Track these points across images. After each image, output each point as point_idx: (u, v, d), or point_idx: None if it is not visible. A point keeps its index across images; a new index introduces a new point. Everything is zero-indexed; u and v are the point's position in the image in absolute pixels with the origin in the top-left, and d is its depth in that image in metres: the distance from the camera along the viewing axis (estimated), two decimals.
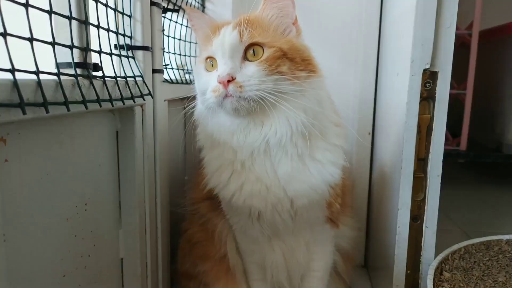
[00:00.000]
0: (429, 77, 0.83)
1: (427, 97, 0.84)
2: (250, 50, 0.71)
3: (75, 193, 0.63)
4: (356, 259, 1.23)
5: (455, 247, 0.97)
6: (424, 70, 0.82)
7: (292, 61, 0.72)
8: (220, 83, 0.68)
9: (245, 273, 0.95)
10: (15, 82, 0.43)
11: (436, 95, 0.83)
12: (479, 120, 2.46)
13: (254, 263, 0.92)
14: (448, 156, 2.21)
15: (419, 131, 0.85)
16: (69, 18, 0.54)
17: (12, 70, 0.42)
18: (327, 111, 0.78)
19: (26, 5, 0.45)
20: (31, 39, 0.45)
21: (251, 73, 0.69)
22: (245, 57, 0.71)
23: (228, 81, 0.67)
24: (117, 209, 0.79)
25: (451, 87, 2.57)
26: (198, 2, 1.15)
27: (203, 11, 1.20)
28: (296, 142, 0.73)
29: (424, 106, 0.85)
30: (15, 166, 0.49)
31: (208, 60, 0.75)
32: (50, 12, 0.50)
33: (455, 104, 2.64)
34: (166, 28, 0.95)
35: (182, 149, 1.17)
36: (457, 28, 2.41)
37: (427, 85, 0.83)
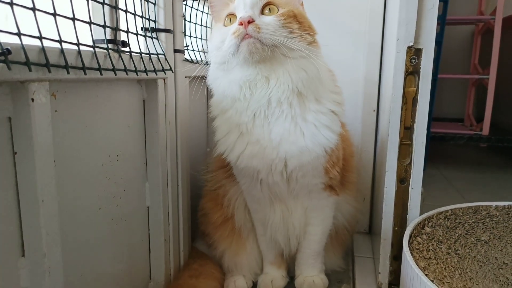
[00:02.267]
0: (414, 53, 0.93)
1: (412, 71, 0.94)
2: (266, 8, 0.83)
3: (109, 145, 0.80)
4: (357, 228, 1.35)
5: (442, 208, 1.07)
6: (409, 48, 0.93)
7: (301, 24, 0.83)
8: (241, 24, 0.78)
9: (254, 230, 1.09)
10: (62, 50, 0.59)
11: (420, 70, 0.93)
12: (503, 106, 2.47)
13: (259, 220, 1.05)
14: (470, 141, 2.26)
15: (405, 103, 0.96)
16: (102, 3, 0.70)
17: (60, 41, 0.58)
18: (325, 79, 0.89)
19: None
20: (73, 19, 0.62)
21: (268, 21, 0.80)
22: (261, 13, 0.83)
23: (249, 22, 0.78)
24: (144, 165, 0.95)
25: (476, 72, 2.60)
26: None
27: None
28: (292, 101, 0.83)
29: (411, 80, 0.95)
30: (62, 116, 0.65)
31: (227, 18, 0.87)
32: None
33: (479, 90, 2.65)
34: (188, 14, 1.10)
35: (205, 124, 1.33)
36: (481, 14, 2.44)
37: (412, 60, 0.94)
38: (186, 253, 1.13)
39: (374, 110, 1.33)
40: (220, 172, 1.07)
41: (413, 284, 0.78)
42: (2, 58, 0.47)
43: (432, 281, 0.73)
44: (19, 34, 0.50)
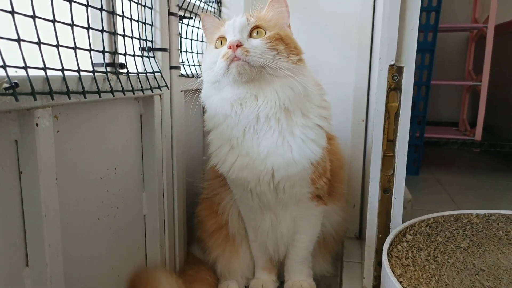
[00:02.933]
0: (396, 71, 0.99)
1: (395, 88, 1.00)
2: (254, 31, 0.89)
3: (107, 159, 0.85)
4: (348, 234, 1.41)
5: (425, 216, 1.12)
6: (391, 66, 0.98)
7: (287, 45, 0.89)
8: (230, 48, 0.85)
9: (247, 236, 1.15)
10: (64, 78, 0.65)
11: (402, 87, 0.99)
12: (497, 111, 2.52)
13: (251, 227, 1.11)
14: (464, 146, 2.31)
15: (388, 117, 1.01)
16: (101, 31, 0.76)
17: (62, 69, 0.64)
18: (312, 95, 0.94)
19: (72, 25, 0.67)
20: (74, 48, 0.67)
21: (256, 44, 0.87)
22: (250, 36, 0.90)
23: (237, 46, 0.85)
24: (141, 176, 1.01)
25: (470, 78, 2.65)
26: (215, 8, 1.36)
27: (219, 15, 1.40)
28: (280, 117, 0.89)
29: (393, 96, 1.01)
30: (64, 136, 0.71)
31: (218, 40, 0.94)
32: (88, 28, 0.72)
33: (474, 95, 2.70)
34: (184, 31, 1.16)
35: (201, 133, 1.39)
36: (475, 21, 2.49)
37: (395, 78, 0.99)
38: (181, 258, 1.18)
39: (363, 121, 1.39)
40: (215, 181, 1.13)
41: None
42: (11, 91, 0.53)
43: (405, 287, 0.78)
44: (25, 67, 0.56)
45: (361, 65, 1.36)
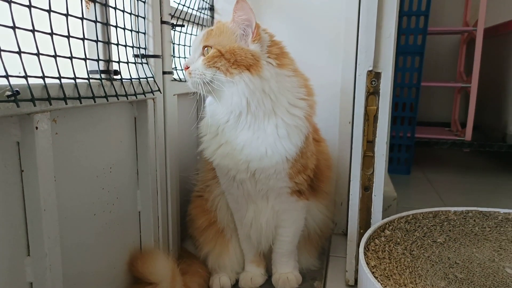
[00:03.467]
0: (374, 76, 1.05)
1: (373, 92, 1.06)
2: (205, 49, 0.99)
3: (103, 158, 0.92)
4: (336, 230, 1.47)
5: (404, 213, 1.18)
6: (369, 71, 1.04)
7: (228, 60, 0.96)
8: (183, 68, 1.01)
9: (236, 231, 1.22)
10: (61, 85, 0.71)
11: (380, 91, 1.05)
12: (486, 112, 2.58)
13: (238, 220, 1.18)
14: (454, 146, 2.37)
15: (367, 119, 1.08)
16: (96, 41, 0.82)
17: (59, 77, 0.71)
18: (279, 96, 0.99)
19: (68, 36, 0.73)
20: (71, 57, 0.74)
21: (197, 66, 0.98)
22: (202, 53, 0.99)
23: (186, 68, 0.99)
24: (135, 174, 1.07)
25: (461, 79, 2.71)
26: (208, 15, 1.43)
27: (212, 22, 1.47)
28: (247, 118, 0.98)
29: (372, 100, 1.07)
30: (62, 138, 0.77)
31: None
32: (83, 39, 0.78)
33: (465, 96, 2.76)
34: (179, 37, 1.23)
35: (195, 133, 1.46)
36: (466, 24, 2.55)
37: (373, 82, 1.06)
38: (175, 253, 1.25)
39: (349, 122, 1.45)
40: (207, 174, 1.21)
41: (363, 279, 0.90)
42: (13, 98, 0.59)
43: (376, 277, 0.85)
44: (26, 76, 0.62)
45: (347, 69, 1.43)
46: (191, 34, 1.32)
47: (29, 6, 0.63)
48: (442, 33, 2.72)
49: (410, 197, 1.98)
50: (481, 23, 2.30)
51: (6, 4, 0.60)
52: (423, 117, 3.16)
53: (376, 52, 1.03)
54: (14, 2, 0.61)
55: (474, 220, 1.20)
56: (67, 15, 0.73)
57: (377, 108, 1.06)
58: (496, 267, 0.99)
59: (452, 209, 1.23)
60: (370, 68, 1.04)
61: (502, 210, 1.23)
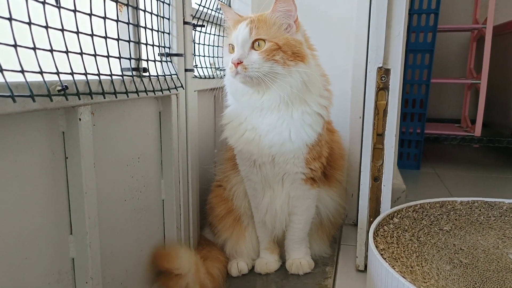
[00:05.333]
0: (384, 73, 1.12)
1: (383, 87, 1.13)
2: (256, 43, 1.02)
3: (132, 149, 1.00)
4: (347, 221, 1.54)
5: (412, 203, 1.25)
6: (379, 68, 1.11)
7: (285, 53, 1.01)
8: (233, 63, 1.01)
9: (253, 219, 1.29)
10: (100, 81, 0.79)
11: (389, 86, 1.12)
12: (495, 109, 2.62)
13: (255, 207, 1.25)
14: (463, 141, 2.42)
15: (377, 113, 1.14)
16: (128, 41, 0.90)
17: (98, 74, 0.79)
18: (313, 86, 1.06)
19: (105, 37, 0.81)
20: (107, 56, 0.82)
21: (254, 59, 1.01)
22: (252, 47, 1.02)
23: (238, 63, 1.00)
24: (160, 165, 1.15)
25: (471, 76, 2.76)
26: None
27: (229, 5, 1.55)
28: (280, 107, 1.05)
29: (382, 95, 1.14)
30: (99, 129, 0.86)
31: (230, 45, 1.08)
32: (117, 39, 0.86)
33: (475, 93, 2.80)
34: (199, 37, 1.30)
35: (213, 128, 1.54)
36: (476, 22, 2.59)
37: (383, 78, 1.12)
38: (195, 239, 1.33)
39: (360, 117, 1.52)
40: (227, 165, 1.29)
41: (372, 261, 0.96)
42: (62, 92, 0.67)
43: (385, 258, 0.91)
44: (72, 73, 0.71)
45: (358, 67, 1.49)
46: (210, 34, 1.39)
47: (74, 11, 0.71)
48: (452, 30, 2.76)
49: (419, 190, 2.03)
50: (490, 20, 2.34)
51: (57, 11, 0.68)
52: (434, 113, 3.21)
53: (386, 50, 1.09)
54: (63, 8, 0.69)
55: (480, 210, 1.26)
56: (104, 17, 0.81)
57: (387, 103, 1.13)
58: (500, 253, 1.04)
59: (459, 199, 1.29)
60: (380, 65, 1.10)
61: (507, 201, 1.28)
